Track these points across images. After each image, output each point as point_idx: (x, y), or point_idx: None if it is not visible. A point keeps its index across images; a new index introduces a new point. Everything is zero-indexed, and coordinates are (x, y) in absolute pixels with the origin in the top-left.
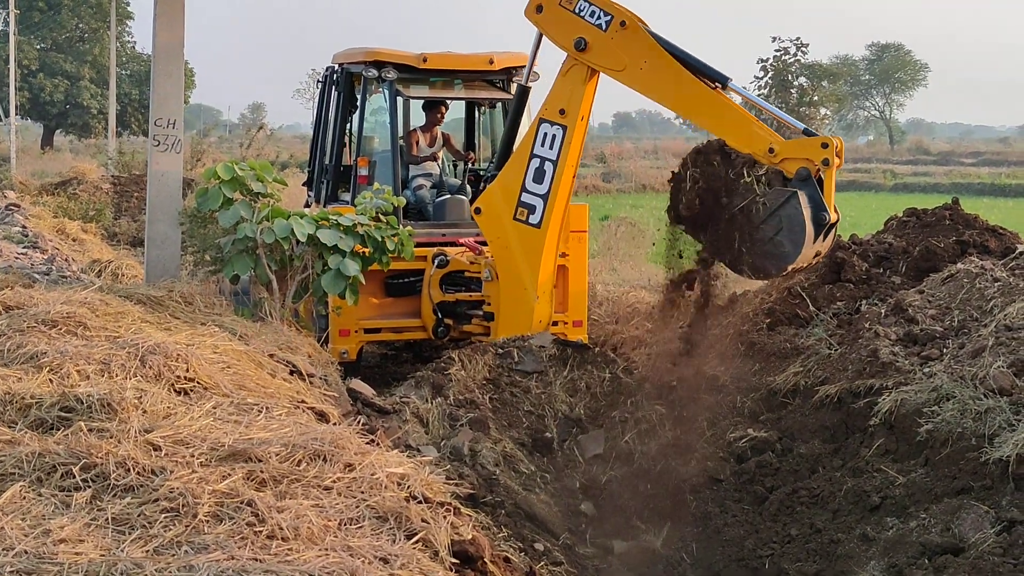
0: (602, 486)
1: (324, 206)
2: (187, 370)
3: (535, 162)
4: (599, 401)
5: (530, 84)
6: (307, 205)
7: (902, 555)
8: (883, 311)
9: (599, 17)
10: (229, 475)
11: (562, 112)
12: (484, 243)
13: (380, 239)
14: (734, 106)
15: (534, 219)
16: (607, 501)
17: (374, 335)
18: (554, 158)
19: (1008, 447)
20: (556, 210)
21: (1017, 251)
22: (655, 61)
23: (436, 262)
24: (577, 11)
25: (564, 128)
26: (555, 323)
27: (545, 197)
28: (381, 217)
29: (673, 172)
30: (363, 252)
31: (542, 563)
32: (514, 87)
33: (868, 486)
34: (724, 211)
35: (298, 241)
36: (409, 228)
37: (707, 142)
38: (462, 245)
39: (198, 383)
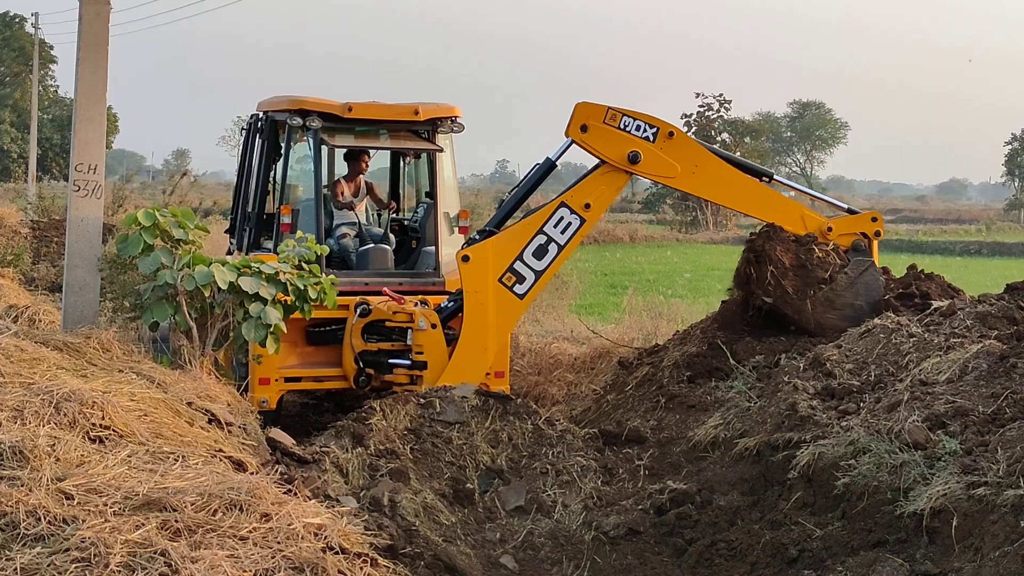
0: (523, 538)
1: (246, 254)
2: (103, 417)
3: (540, 238)
4: (521, 452)
5: (559, 164)
6: (229, 252)
7: None
8: (802, 365)
9: (645, 131)
10: (143, 524)
11: (587, 207)
12: (406, 293)
13: (302, 287)
14: (784, 197)
15: (520, 289)
16: (528, 553)
17: (295, 384)
18: (562, 243)
19: (922, 500)
20: (540, 288)
21: (932, 307)
22: (706, 165)
23: (358, 311)
24: (623, 127)
25: (583, 221)
26: None
27: (539, 274)
28: (304, 265)
29: (750, 257)
30: (285, 300)
31: None
32: (440, 139)
33: (786, 539)
34: (802, 281)
35: (219, 288)
36: (332, 277)
37: (767, 227)
38: (385, 294)
39: (114, 431)
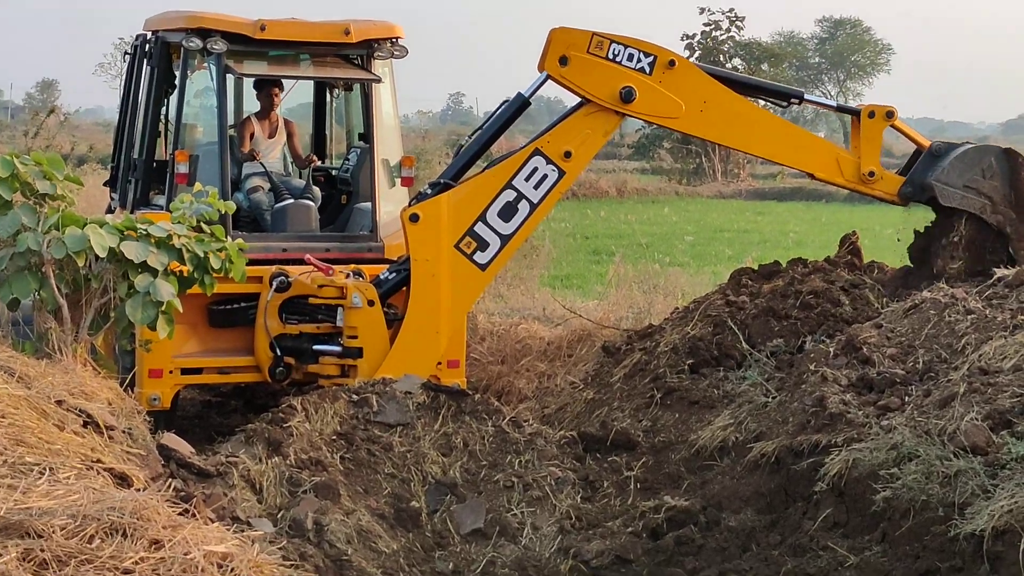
0: (483, 569)
1: (132, 212)
2: None
3: (508, 194)
4: (479, 461)
5: (531, 100)
6: (110, 210)
7: None
8: (832, 350)
9: (640, 60)
10: (0, 554)
11: (567, 155)
12: (335, 261)
13: (202, 255)
14: (815, 138)
15: (481, 258)
16: None
17: (194, 377)
18: (536, 200)
19: (982, 519)
20: (507, 257)
21: (995, 276)
22: (717, 99)
23: (274, 284)
24: (611, 57)
25: (562, 174)
26: None
27: (505, 239)
28: (204, 227)
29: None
30: (180, 271)
31: None
32: (376, 66)
33: (812, 567)
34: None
35: (97, 257)
36: (240, 241)
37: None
38: (308, 263)
39: None
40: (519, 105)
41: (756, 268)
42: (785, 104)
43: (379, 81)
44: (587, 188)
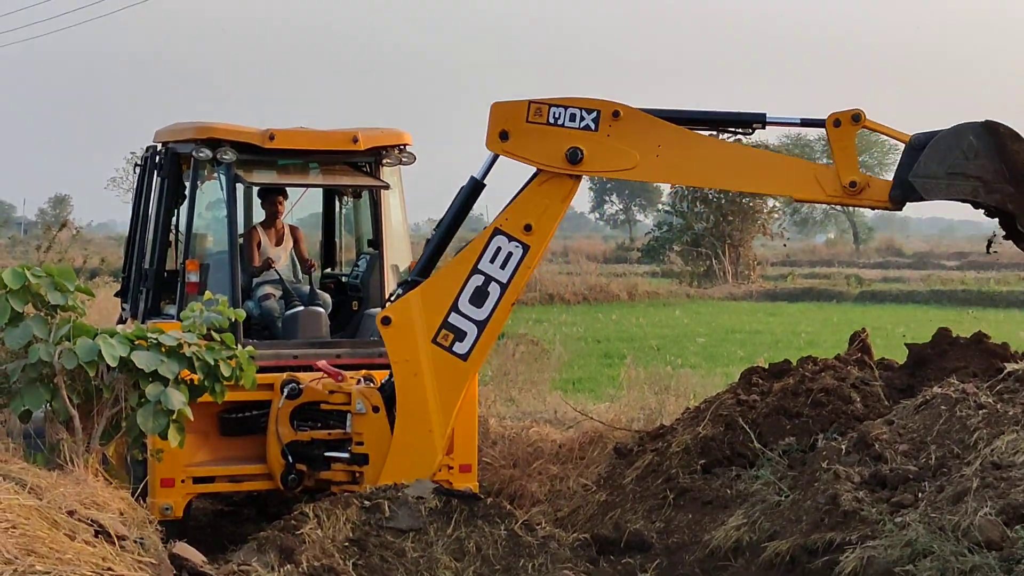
0: None
1: (143, 321)
2: None
3: (477, 279)
4: (493, 566)
5: (485, 182)
6: (121, 321)
7: None
8: (844, 447)
9: (582, 118)
10: None
11: (527, 229)
12: (346, 367)
13: (213, 363)
14: (787, 158)
15: (461, 348)
16: None
17: (206, 486)
18: (504, 280)
19: None
20: (489, 343)
21: (1005, 371)
22: (671, 140)
23: (286, 392)
24: (552, 120)
25: (526, 248)
26: (438, 468)
27: (482, 325)
28: (214, 335)
29: None
30: (191, 379)
31: None
32: (385, 173)
33: None
34: None
35: (108, 366)
36: (250, 348)
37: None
38: (318, 370)
39: None
40: (472, 188)
41: (767, 367)
42: (750, 132)
43: (387, 187)
44: (598, 292)
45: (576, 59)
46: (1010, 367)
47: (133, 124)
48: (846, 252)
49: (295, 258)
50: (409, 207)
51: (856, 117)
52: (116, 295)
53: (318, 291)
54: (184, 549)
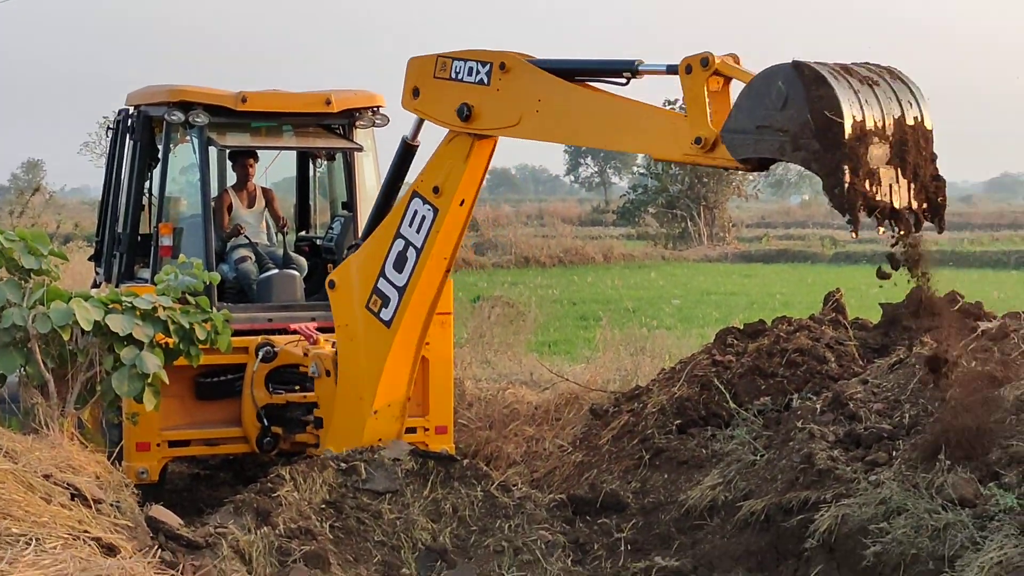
0: None
1: (116, 285)
2: None
3: (399, 243)
4: (469, 527)
5: (418, 142)
6: (95, 285)
7: None
8: (819, 406)
9: (478, 72)
10: None
11: (436, 191)
12: (322, 330)
13: (187, 326)
14: (652, 109)
15: (385, 314)
16: None
17: (181, 449)
18: (419, 244)
19: (972, 571)
20: (413, 310)
21: (979, 330)
22: (550, 94)
23: (260, 355)
24: (454, 75)
25: (436, 211)
26: (413, 430)
27: (402, 291)
28: (189, 298)
29: None
30: (166, 343)
31: None
32: (359, 135)
33: None
34: None
35: (82, 331)
36: (225, 312)
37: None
38: (295, 332)
39: None
40: (403, 151)
41: (741, 328)
42: (623, 82)
43: (361, 150)
44: (573, 255)
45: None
46: (983, 326)
47: (106, 88)
48: (821, 213)
49: (268, 220)
50: (383, 169)
51: (705, 61)
52: (90, 259)
53: (292, 254)
54: (160, 512)
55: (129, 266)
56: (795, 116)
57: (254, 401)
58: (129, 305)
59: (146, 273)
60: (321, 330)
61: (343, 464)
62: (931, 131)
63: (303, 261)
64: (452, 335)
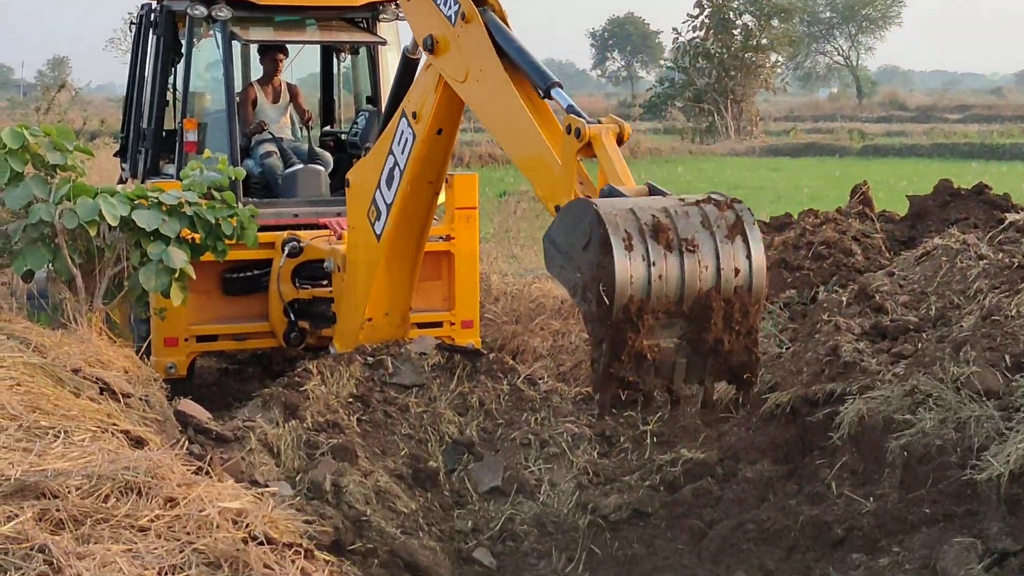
0: (501, 526)
1: (142, 181)
2: None
3: (390, 160)
4: (495, 420)
5: (418, 55)
6: (121, 181)
7: None
8: (845, 299)
9: (449, 6)
10: (16, 515)
11: (415, 116)
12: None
13: (214, 221)
14: (544, 145)
15: (377, 227)
16: (508, 545)
17: (209, 344)
18: (402, 165)
19: (998, 462)
20: (401, 229)
21: (1006, 222)
22: (489, 74)
23: (287, 250)
24: None
25: (414, 136)
26: (439, 324)
27: (388, 208)
28: (215, 194)
29: None
30: (192, 238)
31: None
32: (382, 29)
33: (830, 516)
34: None
35: (109, 226)
36: (251, 207)
37: None
38: (326, 227)
39: None
40: (403, 64)
41: (768, 221)
42: (540, 96)
43: (384, 43)
44: None
45: None
46: (1011, 218)
47: None
48: (849, 106)
49: (293, 115)
50: None
51: (577, 132)
52: (115, 155)
53: (317, 149)
54: (189, 406)
55: (154, 162)
56: (589, 264)
57: (281, 296)
58: (155, 201)
59: (171, 169)
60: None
61: (370, 358)
62: (758, 299)
63: (328, 156)
64: (478, 230)
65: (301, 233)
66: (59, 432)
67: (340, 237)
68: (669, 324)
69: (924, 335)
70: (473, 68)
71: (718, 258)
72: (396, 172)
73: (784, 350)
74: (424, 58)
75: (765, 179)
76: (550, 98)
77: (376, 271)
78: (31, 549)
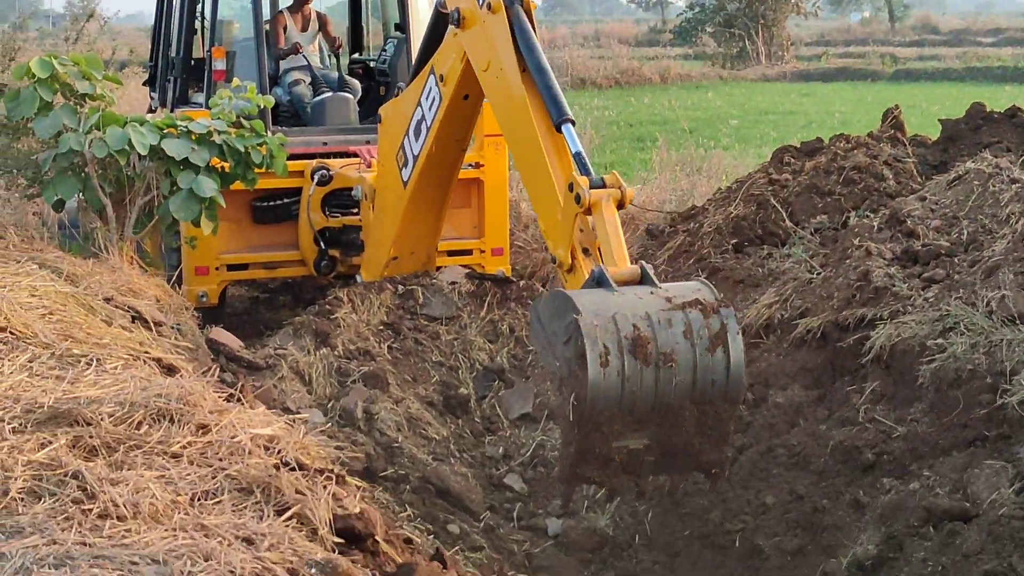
0: (532, 453)
1: (171, 110)
2: None
3: (418, 112)
4: (526, 347)
5: (447, 10)
6: (151, 110)
7: (902, 523)
8: (876, 224)
9: None
10: (49, 442)
11: (441, 79)
12: None
13: (243, 150)
14: (560, 159)
15: (404, 173)
16: (539, 471)
17: (240, 273)
18: (429, 122)
19: None
20: (427, 180)
21: None
22: (507, 72)
23: (316, 178)
24: None
25: (440, 98)
26: (469, 252)
27: (415, 160)
28: (244, 122)
29: None
30: (222, 167)
31: (457, 548)
32: None
33: (860, 440)
34: None
35: (139, 156)
36: (280, 135)
37: None
38: (354, 155)
39: (10, 332)
40: (435, 18)
41: (799, 146)
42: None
43: None
44: (630, 76)
45: None
46: None
47: None
48: (881, 31)
49: (322, 45)
50: None
51: (577, 198)
52: (144, 84)
53: (346, 77)
54: (220, 334)
55: (183, 91)
56: (567, 363)
57: (311, 224)
58: (184, 129)
59: (200, 98)
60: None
61: (400, 287)
62: (733, 407)
63: (357, 84)
64: (507, 158)
65: (330, 161)
66: (91, 360)
67: (369, 165)
68: (639, 428)
69: (956, 260)
70: (494, 62)
71: (695, 371)
72: (423, 126)
73: (815, 275)
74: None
75: (796, 104)
76: (559, 132)
77: (402, 214)
78: (65, 476)
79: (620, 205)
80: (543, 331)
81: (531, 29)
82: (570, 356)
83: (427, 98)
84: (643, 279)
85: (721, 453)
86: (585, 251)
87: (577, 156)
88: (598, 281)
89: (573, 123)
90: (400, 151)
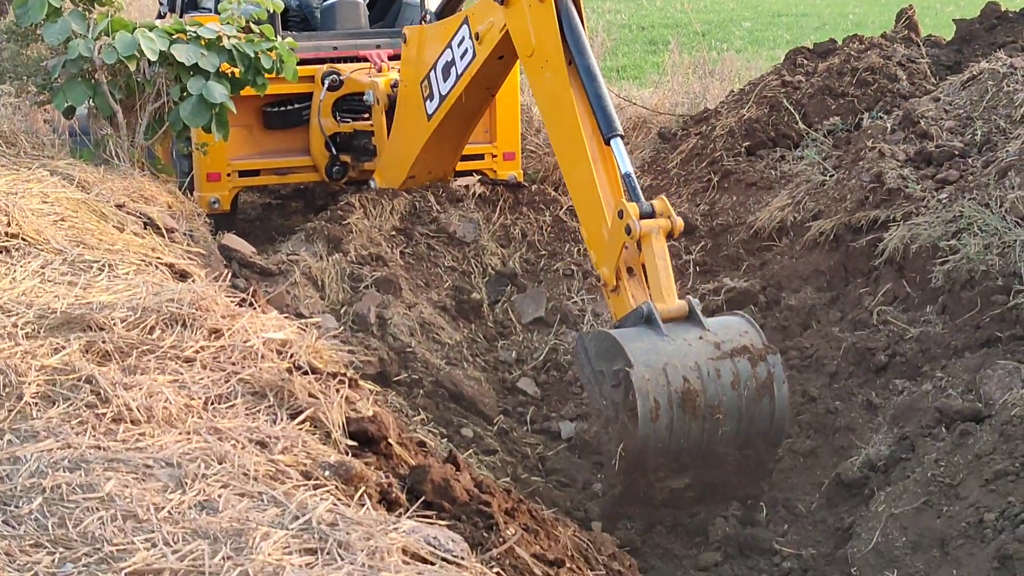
0: (544, 357)
1: (180, 15)
2: (7, 224)
3: (447, 54)
4: (538, 251)
5: None
6: (160, 16)
7: (915, 424)
8: (889, 125)
9: None
10: (63, 347)
11: (477, 37)
12: (395, 59)
13: (253, 55)
14: (609, 184)
15: (429, 107)
16: (551, 375)
17: (251, 179)
18: (460, 71)
19: None
20: (451, 119)
21: None
22: (553, 65)
23: (327, 83)
24: None
25: (474, 55)
26: (481, 156)
27: (443, 99)
28: (253, 27)
29: None
30: (232, 73)
31: (470, 451)
32: None
33: (873, 342)
34: None
35: (149, 61)
36: (290, 40)
37: None
38: (364, 60)
39: (22, 238)
40: None
41: (811, 47)
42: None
43: None
44: None
45: None
46: None
47: None
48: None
49: None
50: None
51: (627, 228)
52: None
53: None
54: (233, 240)
55: None
56: (616, 407)
57: (322, 130)
58: (193, 35)
59: (209, 3)
60: (391, 59)
61: (412, 193)
62: (775, 450)
63: None
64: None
65: (341, 66)
66: (104, 266)
67: (380, 70)
68: (683, 471)
69: (969, 160)
70: (539, 52)
71: (741, 420)
72: (453, 71)
73: (828, 177)
74: None
75: (809, 6)
76: (607, 145)
77: (423, 144)
78: (79, 380)
79: (669, 236)
80: (589, 366)
81: (580, 23)
82: (619, 403)
83: (459, 46)
84: (690, 315)
85: (759, 488)
86: (629, 270)
87: (627, 177)
88: (647, 319)
89: (623, 137)
90: (426, 82)
